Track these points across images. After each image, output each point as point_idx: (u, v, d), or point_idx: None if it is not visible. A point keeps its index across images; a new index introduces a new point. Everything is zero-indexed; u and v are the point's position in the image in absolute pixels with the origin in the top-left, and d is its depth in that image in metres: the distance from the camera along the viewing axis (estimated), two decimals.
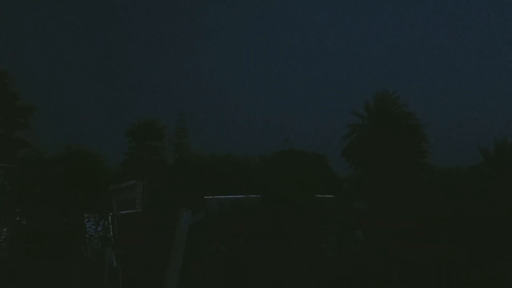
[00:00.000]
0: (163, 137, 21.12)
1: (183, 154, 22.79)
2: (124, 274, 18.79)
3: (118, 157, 23.54)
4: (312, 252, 18.79)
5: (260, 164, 25.23)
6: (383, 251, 18.69)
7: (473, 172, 22.26)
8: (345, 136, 22.30)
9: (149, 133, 20.51)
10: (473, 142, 23.94)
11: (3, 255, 19.41)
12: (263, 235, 18.64)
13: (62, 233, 19.69)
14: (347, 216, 20.25)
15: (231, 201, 20.91)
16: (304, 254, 18.26)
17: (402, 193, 19.69)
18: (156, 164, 20.73)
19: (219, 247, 19.28)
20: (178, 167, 22.27)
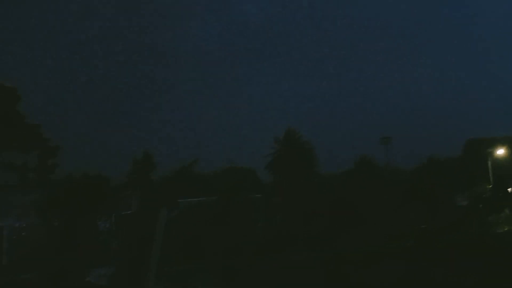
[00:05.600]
0: (155, 167, 24.26)
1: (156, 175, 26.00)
2: (123, 254, 20.96)
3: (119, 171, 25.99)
4: (248, 229, 22.40)
5: (213, 176, 28.76)
6: (291, 226, 22.61)
7: (345, 175, 27.14)
8: (267, 156, 26.66)
9: (146, 164, 23.79)
10: (347, 156, 28.89)
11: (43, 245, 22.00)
12: (216, 222, 21.82)
13: (81, 229, 22.78)
14: (269, 207, 24.80)
15: (196, 202, 23.94)
16: (243, 231, 21.67)
17: (301, 191, 23.91)
18: (147, 182, 24.18)
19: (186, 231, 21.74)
20: (160, 183, 25.54)
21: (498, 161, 33.50)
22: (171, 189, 23.39)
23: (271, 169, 25.90)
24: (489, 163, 32.52)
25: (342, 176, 26.34)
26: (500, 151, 34.04)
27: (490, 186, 29.56)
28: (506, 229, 24.97)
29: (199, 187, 24.45)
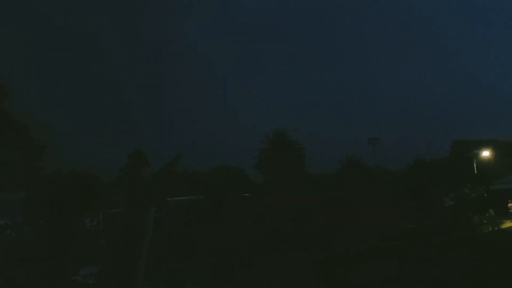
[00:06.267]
0: (147, 164, 24.14)
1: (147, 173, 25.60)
2: (110, 253, 21.86)
3: (112, 171, 26.21)
4: (239, 228, 22.16)
5: (204, 175, 28.72)
6: (282, 226, 22.54)
7: (334, 175, 27.23)
8: (257, 156, 26.76)
9: (137, 160, 23.74)
10: (334, 157, 28.94)
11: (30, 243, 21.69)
12: (206, 221, 21.69)
13: (69, 227, 22.52)
14: (259, 206, 24.79)
15: (186, 200, 23.90)
16: (234, 230, 21.54)
17: (291, 190, 24.02)
18: (138, 179, 23.74)
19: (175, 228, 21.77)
20: (151, 180, 25.18)
21: (483, 163, 34.08)
22: (160, 187, 23.33)
23: (259, 168, 25.93)
24: (475, 164, 33.05)
25: (332, 176, 26.49)
26: (486, 153, 34.62)
27: (475, 187, 30.01)
28: (490, 229, 25.44)
29: (190, 185, 24.64)
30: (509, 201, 28.92)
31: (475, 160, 32.96)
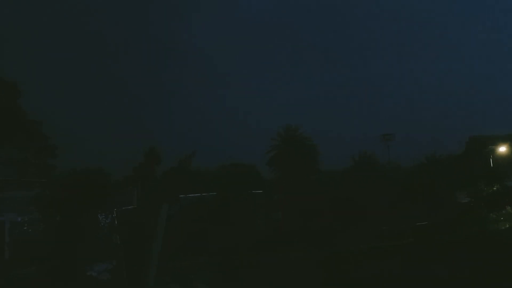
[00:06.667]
0: (160, 161, 23.68)
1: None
2: (124, 249, 20.45)
3: (126, 169, 26.05)
4: (249, 226, 22.20)
5: (214, 172, 28.58)
6: (292, 223, 22.81)
7: (346, 172, 27.05)
8: (268, 151, 27.02)
9: (151, 158, 23.35)
10: (347, 154, 28.79)
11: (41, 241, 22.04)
12: (217, 218, 21.82)
13: (82, 224, 22.78)
14: (269, 204, 24.72)
15: (197, 197, 23.87)
16: (244, 228, 21.52)
17: (302, 187, 24.02)
18: (151, 176, 23.97)
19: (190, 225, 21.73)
20: (162, 178, 25.43)
21: (500, 159, 33.44)
22: (173, 184, 23.44)
23: (272, 165, 25.86)
24: (491, 160, 32.46)
25: (344, 173, 26.28)
26: (502, 149, 33.96)
27: (491, 183, 29.47)
28: (507, 226, 25.00)
29: (201, 183, 24.47)
30: None
31: (491, 156, 32.37)
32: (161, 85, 72.21)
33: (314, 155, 25.72)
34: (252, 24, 78.23)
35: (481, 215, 26.39)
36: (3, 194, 22.59)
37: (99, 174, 24.13)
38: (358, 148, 29.55)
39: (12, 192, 22.97)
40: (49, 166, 23.59)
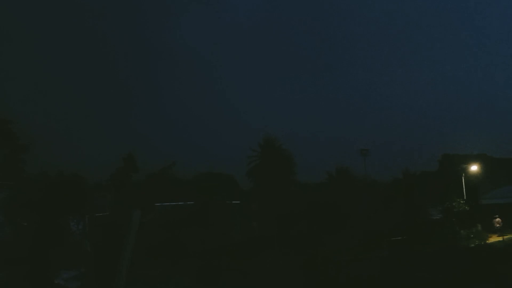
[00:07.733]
0: (137, 169, 23.28)
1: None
2: (95, 256, 20.21)
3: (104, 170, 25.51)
4: (225, 234, 22.20)
5: (191, 181, 28.47)
6: (267, 231, 23.00)
7: (321, 185, 27.73)
8: (249, 162, 27.04)
9: (128, 165, 23.00)
10: (322, 168, 29.28)
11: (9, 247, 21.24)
12: (193, 226, 21.66)
13: (53, 229, 22.09)
14: (246, 213, 24.76)
15: (173, 206, 23.79)
16: (220, 235, 21.62)
17: (280, 198, 24.40)
18: (127, 183, 23.62)
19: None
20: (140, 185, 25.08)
21: (472, 177, 34.52)
22: (148, 191, 23.12)
23: (250, 175, 25.95)
24: (463, 178, 33.45)
25: (321, 185, 26.64)
26: (474, 168, 35.06)
27: (463, 201, 30.35)
28: (477, 243, 25.71)
29: (178, 191, 24.13)
30: (495, 216, 29.25)
31: (463, 175, 33.38)
32: (152, 85, 71.46)
33: (292, 166, 25.95)
34: (243, 28, 78.72)
35: (453, 231, 27.09)
36: None
37: (74, 179, 23.61)
38: (339, 162, 29.94)
39: None
40: (17, 168, 22.81)
